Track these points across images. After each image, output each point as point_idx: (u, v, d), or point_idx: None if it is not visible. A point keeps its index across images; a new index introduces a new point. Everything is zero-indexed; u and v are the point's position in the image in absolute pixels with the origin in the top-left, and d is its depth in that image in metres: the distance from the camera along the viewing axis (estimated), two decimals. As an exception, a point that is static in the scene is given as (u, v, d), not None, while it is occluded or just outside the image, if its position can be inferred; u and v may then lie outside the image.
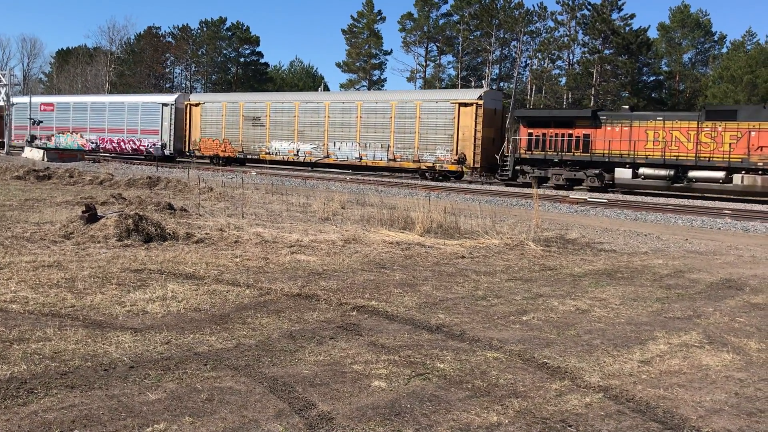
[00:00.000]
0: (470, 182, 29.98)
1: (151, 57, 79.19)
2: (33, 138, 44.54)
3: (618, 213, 18.17)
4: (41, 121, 45.00)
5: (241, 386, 4.26)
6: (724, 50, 66.61)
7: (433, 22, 68.78)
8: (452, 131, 29.83)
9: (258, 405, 3.98)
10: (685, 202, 23.12)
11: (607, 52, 58.40)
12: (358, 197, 17.98)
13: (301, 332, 5.51)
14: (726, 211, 19.22)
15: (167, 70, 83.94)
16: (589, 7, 59.46)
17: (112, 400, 3.96)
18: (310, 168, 34.58)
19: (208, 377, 4.40)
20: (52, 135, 44.50)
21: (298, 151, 34.45)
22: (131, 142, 40.46)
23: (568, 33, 62.51)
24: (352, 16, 72.83)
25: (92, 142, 42.13)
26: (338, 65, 76.17)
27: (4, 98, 43.28)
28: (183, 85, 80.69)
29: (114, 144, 41.35)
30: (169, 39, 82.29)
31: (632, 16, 59.94)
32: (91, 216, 10.05)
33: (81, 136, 42.70)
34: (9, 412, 3.74)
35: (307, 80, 79.33)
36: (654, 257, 10.58)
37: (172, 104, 38.81)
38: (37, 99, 46.61)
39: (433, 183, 27.91)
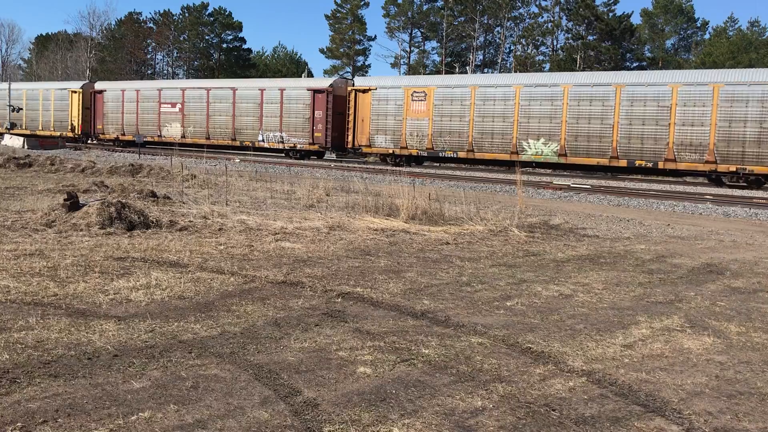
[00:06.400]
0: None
1: (132, 43, 78.33)
2: (13, 125, 43.99)
3: (601, 199, 18.29)
4: (20, 108, 44.38)
5: (227, 374, 4.26)
6: (707, 36, 67.05)
7: (417, 7, 68.55)
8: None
9: (243, 392, 3.98)
10: (667, 187, 23.30)
11: (590, 38, 58.52)
12: (343, 184, 17.95)
13: (286, 319, 5.51)
14: (707, 197, 19.42)
15: (149, 56, 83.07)
16: (573, -8, 59.49)
17: (96, 388, 3.95)
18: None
19: (192, 365, 4.39)
20: None
21: None
22: None
23: (552, 19, 62.58)
24: (335, 1, 72.37)
25: None
26: (322, 51, 75.72)
27: None
28: (165, 72, 79.97)
29: None
30: (151, 25, 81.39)
31: (616, 2, 60.15)
32: (73, 204, 9.95)
33: None
34: (-8, 401, 3.71)
35: (291, 66, 78.82)
36: (636, 242, 10.67)
37: None
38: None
39: (417, 170, 28.00)
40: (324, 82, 33.74)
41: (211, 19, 78.42)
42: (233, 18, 78.78)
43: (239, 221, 10.51)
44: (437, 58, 68.91)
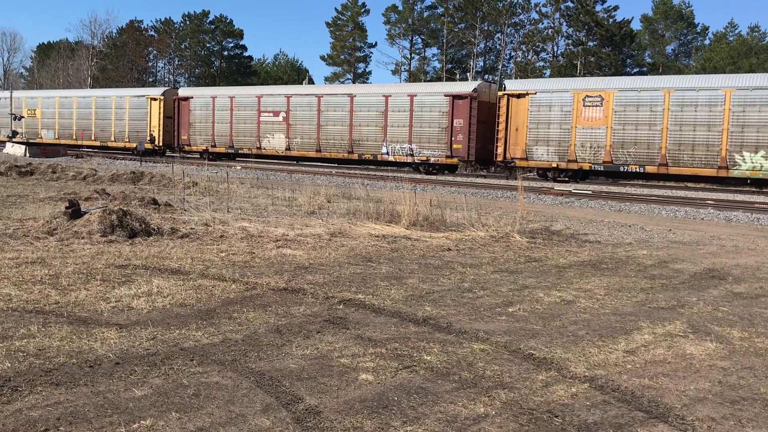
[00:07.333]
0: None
1: (134, 51, 78.54)
2: (15, 133, 44.01)
3: (602, 204, 18.28)
4: (22, 117, 44.38)
5: (228, 381, 4.25)
6: (707, 42, 67.19)
7: (418, 14, 68.75)
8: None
9: (245, 400, 3.97)
10: (669, 192, 23.29)
11: (591, 44, 58.62)
12: (344, 190, 17.96)
13: (287, 326, 5.50)
14: (709, 202, 19.40)
15: (150, 64, 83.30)
16: (573, -1, 59.66)
17: (98, 396, 3.94)
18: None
19: (194, 372, 4.38)
20: None
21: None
22: None
23: (552, 25, 62.72)
24: (336, 9, 72.67)
25: None
26: (323, 58, 75.90)
27: None
28: (166, 80, 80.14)
29: None
30: (152, 33, 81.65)
31: (616, 8, 60.24)
32: (74, 212, 9.96)
33: None
34: (-7, 410, 3.70)
35: (292, 74, 78.99)
36: (638, 248, 10.66)
37: None
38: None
39: (419, 176, 27.84)
40: (466, 87, 29.97)
41: (212, 26, 78.64)
42: (234, 26, 79.01)
43: (240, 228, 10.51)
44: (438, 65, 69.09)
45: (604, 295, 7.14)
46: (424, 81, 62.35)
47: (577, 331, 5.72)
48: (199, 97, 37.09)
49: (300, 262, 8.28)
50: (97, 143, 40.80)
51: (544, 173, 27.43)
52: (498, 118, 27.86)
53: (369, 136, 31.19)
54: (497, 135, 27.96)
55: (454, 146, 29.00)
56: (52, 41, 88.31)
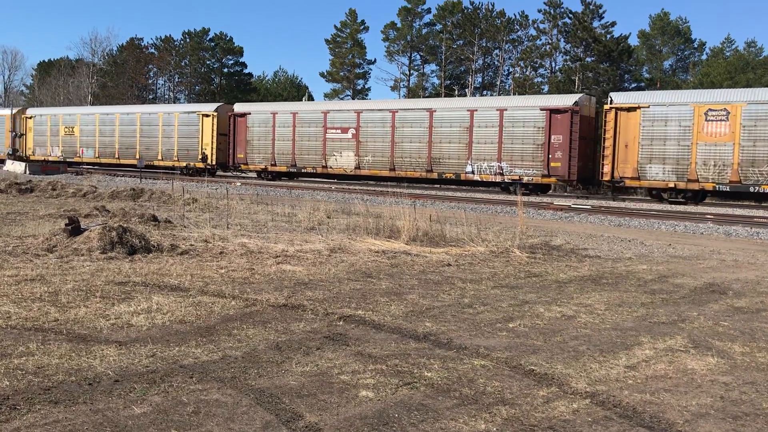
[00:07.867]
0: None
1: (134, 68, 78.86)
2: (15, 151, 44.12)
3: (602, 219, 18.29)
4: (23, 134, 44.51)
5: (228, 398, 4.23)
6: (704, 57, 67.61)
7: (416, 31, 69.17)
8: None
9: (245, 417, 3.95)
10: (668, 207, 23.31)
11: (588, 59, 58.94)
12: (344, 206, 17.97)
13: (287, 343, 5.48)
14: (708, 216, 19.41)
15: (150, 81, 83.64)
16: (571, 15, 60.09)
17: (97, 414, 3.92)
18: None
19: (194, 390, 4.36)
20: None
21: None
22: None
23: (550, 41, 63.10)
24: (335, 26, 73.12)
25: None
26: (322, 75, 76.28)
27: None
28: (166, 97, 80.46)
29: None
30: (152, 50, 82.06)
31: (613, 24, 60.52)
32: (74, 229, 9.96)
33: None
34: (-9, 428, 3.68)
35: (292, 90, 79.33)
36: (638, 263, 10.65)
37: None
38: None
39: (418, 191, 27.64)
40: (565, 100, 27.73)
41: (212, 44, 79.03)
42: (234, 43, 79.36)
43: (240, 244, 10.51)
44: (436, 81, 69.40)
45: (605, 310, 7.13)
46: (423, 97, 62.55)
47: (578, 346, 5.71)
48: (258, 112, 35.22)
49: (300, 278, 8.27)
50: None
51: (657, 194, 25.59)
52: (604, 134, 26.00)
53: (451, 153, 29.26)
54: (603, 152, 26.03)
55: (552, 164, 26.95)
56: (52, 59, 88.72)
